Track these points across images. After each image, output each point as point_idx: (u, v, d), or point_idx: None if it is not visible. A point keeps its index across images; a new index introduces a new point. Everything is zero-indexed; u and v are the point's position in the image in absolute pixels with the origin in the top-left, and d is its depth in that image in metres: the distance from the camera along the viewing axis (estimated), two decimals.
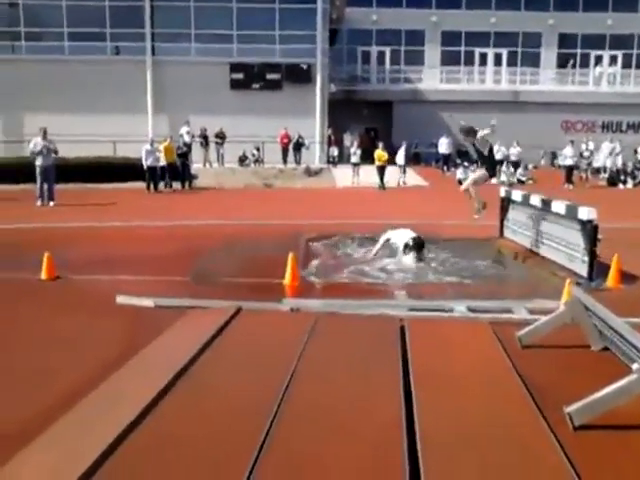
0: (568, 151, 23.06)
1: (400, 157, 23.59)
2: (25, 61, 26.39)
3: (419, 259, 8.24)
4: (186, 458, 3.10)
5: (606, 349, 4.76)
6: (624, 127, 33.38)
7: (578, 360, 4.76)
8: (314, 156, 26.97)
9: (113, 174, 20.19)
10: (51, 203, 15.15)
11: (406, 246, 8.28)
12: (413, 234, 8.46)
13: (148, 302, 6.12)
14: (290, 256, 7.15)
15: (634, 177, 24.28)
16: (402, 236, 8.48)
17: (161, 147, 19.94)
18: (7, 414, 3.71)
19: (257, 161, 25.65)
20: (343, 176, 23.34)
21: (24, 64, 26.22)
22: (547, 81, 33.48)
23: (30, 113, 25.03)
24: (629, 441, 3.50)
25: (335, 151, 27.79)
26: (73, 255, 8.59)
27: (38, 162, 15.25)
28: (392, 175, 22.48)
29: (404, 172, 23.62)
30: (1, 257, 8.63)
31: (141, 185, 19.31)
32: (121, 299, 6.20)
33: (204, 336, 4.86)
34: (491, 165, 9.04)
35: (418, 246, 8.30)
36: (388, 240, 8.67)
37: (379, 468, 3.04)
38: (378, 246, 8.73)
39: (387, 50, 33.62)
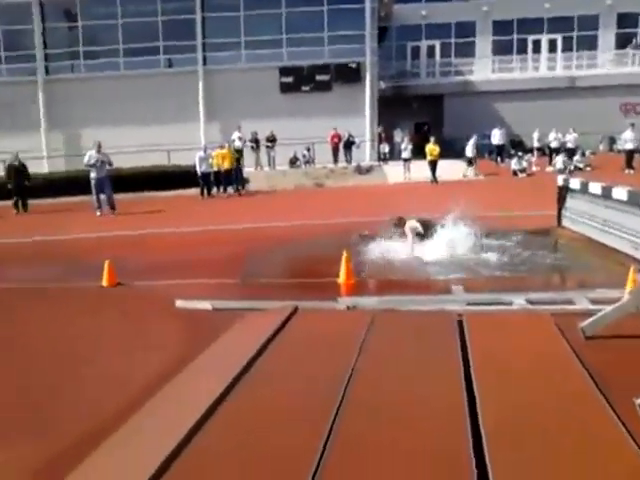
0: (628, 135, 22.24)
1: (469, 150, 23.49)
2: (83, 79, 27.35)
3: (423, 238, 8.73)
4: (251, 459, 3.12)
5: None
6: None
7: None
8: (365, 154, 26.89)
9: (167, 182, 20.62)
10: (113, 212, 15.64)
11: (418, 234, 8.77)
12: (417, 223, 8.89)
13: (206, 305, 6.23)
14: (344, 254, 7.15)
15: None
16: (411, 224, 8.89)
17: (214, 153, 20.21)
18: (75, 418, 3.84)
19: (308, 162, 25.76)
20: (395, 172, 23.19)
21: (83, 82, 27.19)
22: (605, 64, 32.38)
23: (88, 128, 25.87)
24: None
25: (386, 148, 27.64)
26: (133, 262, 8.84)
27: (93, 174, 15.80)
28: (452, 168, 22.24)
29: (471, 164, 23.38)
30: (64, 266, 8.96)
31: (194, 192, 19.67)
32: (180, 303, 6.33)
33: (263, 337, 4.91)
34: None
35: (425, 228, 8.79)
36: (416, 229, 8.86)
37: (446, 458, 3.01)
38: (410, 240, 8.78)
39: (437, 43, 33.23)
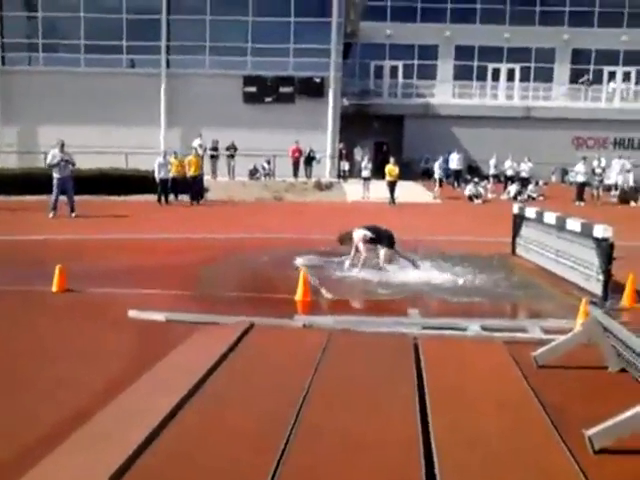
0: (580, 168, 22.96)
1: (437, 171, 24.13)
2: (41, 73, 26.70)
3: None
4: (201, 475, 3.06)
5: (624, 370, 4.70)
6: (636, 144, 33.22)
7: (595, 381, 4.70)
8: (325, 170, 27.00)
9: (124, 186, 20.24)
10: (72, 214, 15.23)
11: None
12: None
13: (159, 317, 6.11)
14: (302, 272, 7.13)
15: None
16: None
17: (172, 159, 19.93)
18: (20, 427, 3.69)
19: (268, 175, 25.70)
20: (354, 190, 23.33)
21: (40, 75, 26.53)
22: (559, 97, 33.43)
23: (44, 124, 25.30)
24: None
25: (346, 165, 27.80)
26: (86, 267, 8.61)
27: (56, 174, 15.33)
28: (411, 189, 22.50)
29: (441, 185, 23.98)
30: (14, 269, 8.65)
31: (152, 197, 19.35)
32: (133, 313, 6.19)
33: (217, 352, 4.83)
34: (389, 241, 8.91)
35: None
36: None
37: None
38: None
39: (400, 64, 33.73)
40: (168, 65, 27.51)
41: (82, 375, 4.62)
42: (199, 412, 3.83)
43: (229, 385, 4.34)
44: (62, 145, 15.51)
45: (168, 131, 27.09)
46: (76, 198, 15.62)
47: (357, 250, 8.88)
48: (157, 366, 4.61)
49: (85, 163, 19.16)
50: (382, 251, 8.84)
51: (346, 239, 9.04)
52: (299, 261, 9.20)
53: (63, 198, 15.31)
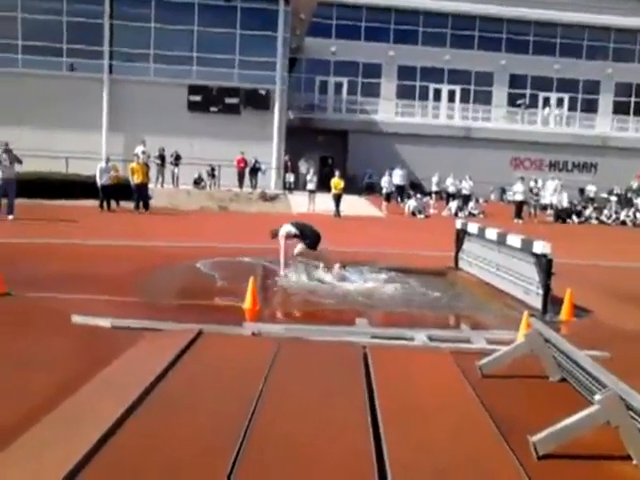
0: (518, 187, 23.78)
1: (386, 185, 24.59)
2: None
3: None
4: None
5: (564, 380, 4.88)
6: (569, 166, 34.69)
7: (537, 390, 4.86)
8: (270, 181, 27.02)
9: (64, 190, 19.75)
10: (10, 217, 14.79)
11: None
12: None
13: (105, 322, 5.96)
14: (250, 280, 7.11)
15: (579, 214, 25.16)
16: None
17: (111, 165, 19.55)
18: None
19: (212, 178, 25.36)
20: (299, 202, 23.44)
21: None
22: (498, 119, 34.57)
23: None
24: (593, 471, 3.57)
25: (291, 177, 27.92)
26: (28, 272, 8.32)
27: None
28: (355, 203, 22.75)
29: (388, 200, 24.41)
30: None
31: (93, 203, 18.91)
32: (77, 319, 6.02)
33: (165, 359, 4.75)
34: (311, 241, 9.13)
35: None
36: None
37: None
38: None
39: (344, 81, 34.20)
40: (111, 71, 27.01)
41: (23, 382, 4.45)
42: (148, 419, 3.75)
43: (178, 392, 4.27)
44: (6, 144, 15.20)
45: (110, 137, 26.55)
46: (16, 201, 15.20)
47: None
48: (104, 372, 4.49)
49: (24, 166, 18.55)
50: (300, 245, 9.10)
51: (275, 234, 9.25)
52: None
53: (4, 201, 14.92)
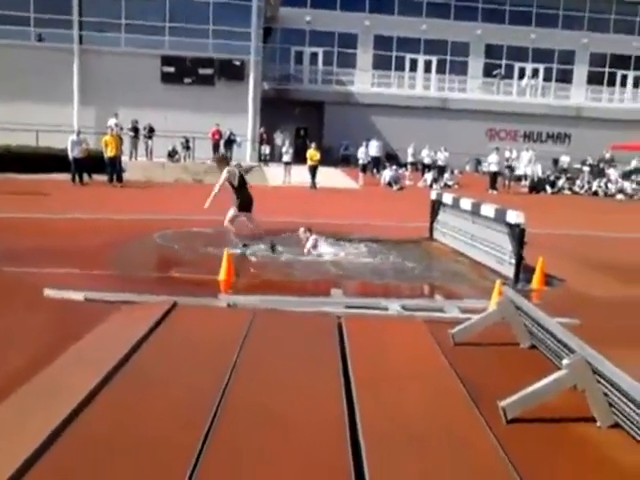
0: (493, 158, 23.88)
1: (363, 157, 24.63)
2: None
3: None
4: (123, 456, 3.02)
5: (534, 347, 4.98)
6: (544, 137, 34.88)
7: (508, 357, 4.96)
8: (245, 154, 26.78)
9: (35, 164, 19.39)
10: None
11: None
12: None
13: (78, 296, 5.92)
14: (225, 252, 7.09)
15: (553, 185, 25.40)
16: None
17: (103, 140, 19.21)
18: None
19: (187, 151, 25.07)
20: (275, 175, 23.30)
21: None
22: (474, 90, 34.56)
23: None
24: (559, 433, 3.68)
25: (267, 149, 27.70)
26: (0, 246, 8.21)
27: None
28: (331, 174, 22.69)
29: (364, 172, 24.41)
30: None
31: (65, 177, 18.61)
32: (49, 292, 5.97)
33: (139, 331, 4.75)
34: (242, 200, 9.07)
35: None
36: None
37: (323, 464, 3.06)
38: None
39: (320, 51, 33.82)
40: (81, 41, 26.36)
41: None
42: (122, 390, 3.77)
43: (152, 364, 4.28)
44: None
45: (82, 109, 26.01)
46: None
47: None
48: (78, 344, 4.48)
49: None
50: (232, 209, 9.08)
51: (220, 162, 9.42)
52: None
53: None
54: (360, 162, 24.67)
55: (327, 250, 8.93)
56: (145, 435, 3.21)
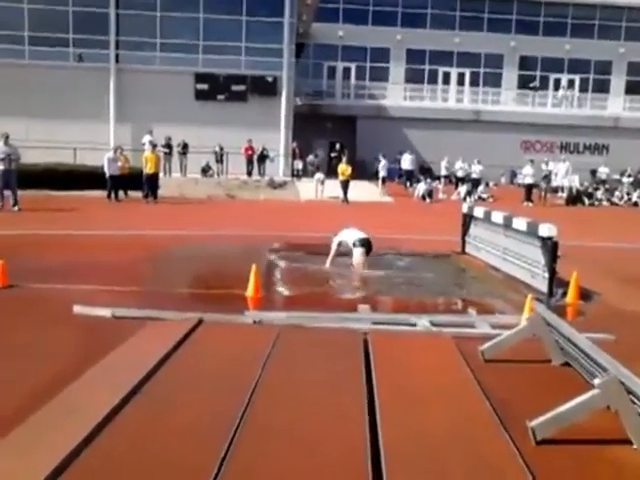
0: (528, 170, 23.54)
1: (382, 170, 25.08)
2: None
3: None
4: (145, 473, 2.99)
5: (567, 364, 4.81)
6: (581, 148, 34.30)
7: (539, 374, 4.80)
8: (278, 169, 26.94)
9: (72, 181, 19.81)
10: (15, 208, 14.98)
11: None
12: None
13: (106, 312, 5.96)
14: (253, 268, 7.07)
15: (590, 197, 24.90)
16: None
17: (143, 157, 19.51)
18: None
19: (220, 164, 25.29)
20: (307, 189, 23.37)
21: None
22: (508, 101, 34.20)
23: None
24: (592, 455, 3.52)
25: (300, 164, 27.82)
26: (33, 263, 8.34)
27: (0, 167, 15.05)
28: (364, 189, 22.72)
29: (384, 184, 24.89)
30: None
31: (100, 194, 18.95)
32: (78, 309, 6.02)
33: (164, 348, 4.74)
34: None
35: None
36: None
37: None
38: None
39: (352, 66, 33.94)
40: (117, 60, 26.97)
41: (24, 372, 4.46)
42: (143, 409, 3.74)
43: (175, 382, 4.26)
44: (7, 138, 15.23)
45: (118, 127, 26.56)
46: (20, 193, 15.28)
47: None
48: (102, 362, 4.49)
49: (31, 157, 18.68)
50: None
51: None
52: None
53: (7, 192, 15.01)
54: (380, 175, 25.08)
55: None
56: (161, 457, 3.17)
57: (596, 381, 3.65)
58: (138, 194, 19.29)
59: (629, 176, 28.53)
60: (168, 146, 23.71)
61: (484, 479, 3.13)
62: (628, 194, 25.68)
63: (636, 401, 3.48)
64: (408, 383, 4.38)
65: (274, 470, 3.09)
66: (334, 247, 8.80)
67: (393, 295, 7.61)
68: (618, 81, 34.82)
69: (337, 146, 30.32)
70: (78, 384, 4.10)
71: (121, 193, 19.31)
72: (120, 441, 3.32)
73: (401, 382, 4.39)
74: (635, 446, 3.55)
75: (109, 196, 18.85)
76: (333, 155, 28.73)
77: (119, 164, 19.20)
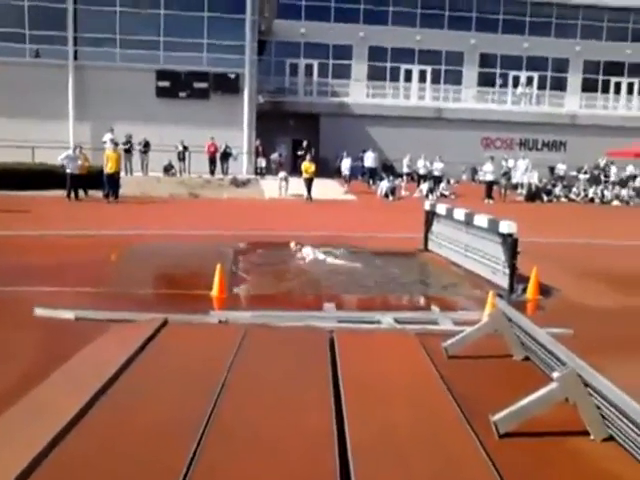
0: (488, 167, 23.88)
1: (345, 168, 25.62)
2: None
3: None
4: (110, 476, 2.98)
5: (527, 358, 4.94)
6: (539, 145, 34.94)
7: (501, 369, 4.92)
8: (242, 167, 26.80)
9: (30, 181, 19.36)
10: None
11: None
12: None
13: (68, 314, 5.88)
14: (218, 267, 7.06)
15: (549, 193, 25.40)
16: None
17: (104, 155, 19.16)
18: None
19: (182, 162, 25.06)
20: (271, 187, 23.29)
21: None
22: (468, 99, 34.65)
23: None
24: (552, 447, 3.63)
25: (263, 162, 27.71)
26: None
27: None
28: (327, 186, 22.77)
29: (347, 182, 25.33)
30: None
31: (60, 193, 18.57)
32: (40, 311, 5.93)
33: (129, 350, 4.71)
34: None
35: None
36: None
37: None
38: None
39: (315, 63, 33.93)
40: (76, 57, 26.42)
41: None
42: (111, 411, 3.72)
43: (142, 384, 4.24)
44: None
45: (77, 125, 26.01)
46: None
47: None
48: (67, 365, 4.44)
49: None
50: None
51: None
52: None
53: None
54: (344, 173, 25.58)
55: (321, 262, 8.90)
56: (131, 457, 3.16)
57: (555, 374, 3.76)
58: (98, 193, 18.95)
59: (585, 172, 29.18)
60: (129, 144, 23.35)
61: (449, 474, 3.20)
62: (585, 190, 26.26)
63: (593, 393, 3.60)
64: (373, 380, 4.44)
65: (243, 468, 3.11)
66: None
67: (357, 294, 7.67)
68: (575, 79, 35.57)
69: (304, 144, 30.29)
70: (41, 388, 4.05)
71: (81, 192, 18.94)
72: (89, 442, 3.30)
73: (366, 379, 4.45)
74: (592, 437, 3.67)
75: (69, 195, 18.47)
76: (300, 153, 28.63)
77: (79, 163, 18.83)
